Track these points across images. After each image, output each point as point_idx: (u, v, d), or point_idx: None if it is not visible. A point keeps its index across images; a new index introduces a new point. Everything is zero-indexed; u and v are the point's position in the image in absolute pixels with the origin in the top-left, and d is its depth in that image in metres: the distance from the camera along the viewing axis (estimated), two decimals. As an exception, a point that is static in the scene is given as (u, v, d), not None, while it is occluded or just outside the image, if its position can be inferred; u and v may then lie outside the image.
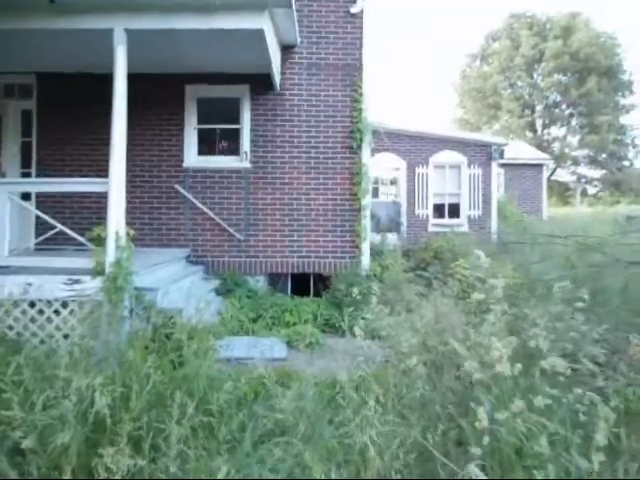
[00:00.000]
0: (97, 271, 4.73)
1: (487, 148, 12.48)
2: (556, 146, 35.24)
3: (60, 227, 4.87)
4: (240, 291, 6.80)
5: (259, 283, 7.23)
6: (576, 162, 35.88)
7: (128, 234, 4.92)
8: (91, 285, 4.72)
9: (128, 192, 7.31)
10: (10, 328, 4.65)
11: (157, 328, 4.57)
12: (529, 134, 34.44)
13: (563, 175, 36.13)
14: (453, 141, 12.43)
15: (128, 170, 7.34)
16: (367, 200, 7.19)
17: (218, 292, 6.81)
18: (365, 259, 7.19)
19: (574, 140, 35.85)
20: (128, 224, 7.11)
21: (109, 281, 4.62)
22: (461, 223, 12.37)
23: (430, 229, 12.34)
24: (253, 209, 7.20)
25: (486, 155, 12.49)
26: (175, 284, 5.76)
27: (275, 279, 7.38)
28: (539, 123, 36.78)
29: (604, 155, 34.11)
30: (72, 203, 7.06)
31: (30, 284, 4.71)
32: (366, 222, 7.19)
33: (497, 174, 12.92)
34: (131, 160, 7.09)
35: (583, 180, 34.95)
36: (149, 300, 5.06)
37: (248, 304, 6.24)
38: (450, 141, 12.41)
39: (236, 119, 7.29)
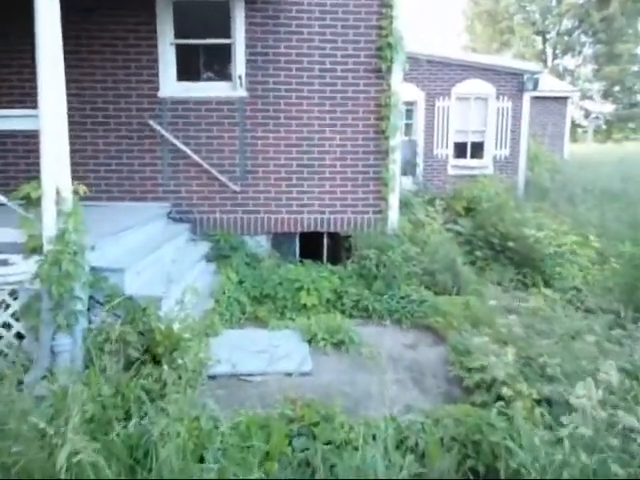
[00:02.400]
0: (31, 248, 3.25)
1: (519, 77, 10.69)
2: (568, 79, 32.84)
3: (-27, 183, 3.31)
4: (238, 257, 5.37)
5: (261, 246, 5.79)
6: (587, 96, 33.68)
7: (76, 192, 3.39)
8: (22, 269, 3.27)
9: (88, 131, 5.66)
10: None
11: (123, 332, 3.17)
12: (539, 64, 31.88)
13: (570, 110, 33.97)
14: (480, 68, 10.59)
15: (86, 102, 5.66)
16: (397, 140, 5.61)
17: (209, 259, 5.38)
18: (393, 214, 5.74)
19: (587, 71, 33.44)
20: (88, 172, 5.55)
21: (48, 264, 3.16)
22: (485, 164, 10.83)
23: (450, 172, 10.80)
24: (251, 152, 5.61)
25: (517, 85, 10.72)
26: (152, 254, 4.31)
27: (280, 240, 5.94)
28: (550, 52, 34.10)
29: (617, 88, 31.91)
30: (15, 145, 5.41)
31: None
32: (395, 168, 5.66)
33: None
34: (89, 88, 5.39)
35: (593, 115, 32.94)
36: (113, 285, 3.63)
37: (249, 276, 4.84)
38: (477, 68, 10.57)
39: (226, 31, 5.51)
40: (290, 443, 2.35)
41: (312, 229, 5.79)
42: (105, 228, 4.12)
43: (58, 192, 3.24)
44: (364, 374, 3.31)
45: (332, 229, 5.80)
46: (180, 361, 2.98)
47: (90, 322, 3.69)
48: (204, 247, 5.43)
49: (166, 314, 3.44)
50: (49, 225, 3.20)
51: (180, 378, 2.92)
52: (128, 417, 2.54)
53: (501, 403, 2.44)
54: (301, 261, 5.80)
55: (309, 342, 3.72)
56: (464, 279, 4.48)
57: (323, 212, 5.75)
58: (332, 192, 5.72)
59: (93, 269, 3.65)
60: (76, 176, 5.57)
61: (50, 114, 3.15)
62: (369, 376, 3.27)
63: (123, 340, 3.14)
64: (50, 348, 3.37)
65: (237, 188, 5.62)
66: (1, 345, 3.53)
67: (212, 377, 3.19)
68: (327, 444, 2.33)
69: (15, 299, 3.44)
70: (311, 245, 6.03)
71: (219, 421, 2.48)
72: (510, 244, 5.70)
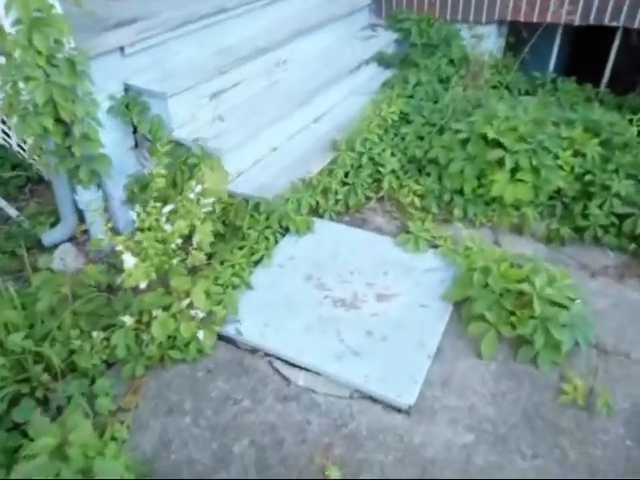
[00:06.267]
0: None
1: None
2: None
3: None
4: (433, 64, 3.15)
5: (484, 44, 3.29)
6: None
7: None
8: None
9: None
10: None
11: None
12: None
13: None
14: None
15: None
16: None
17: (386, 61, 3.30)
18: None
19: None
20: None
21: (8, 86, 1.84)
22: None
23: None
24: None
25: None
26: (263, 57, 2.61)
27: (521, 38, 3.26)
28: None
29: None
30: None
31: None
32: None
33: None
34: None
35: None
36: (154, 118, 2.22)
37: (426, 110, 2.67)
38: None
39: None
40: None
41: (591, 21, 2.90)
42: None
43: None
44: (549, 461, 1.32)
45: (638, 22, 2.79)
46: (156, 312, 1.55)
47: (143, 167, 2.49)
48: (383, 40, 3.32)
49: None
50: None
51: (144, 344, 1.55)
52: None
53: None
54: (553, 81, 3.20)
55: (458, 306, 1.74)
56: None
57: (625, -19, 2.72)
58: None
59: (129, 89, 2.24)
60: None
61: None
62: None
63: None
64: (73, 203, 2.36)
65: None
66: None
67: (230, 341, 1.71)
68: None
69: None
70: (582, 55, 3.19)
71: None
72: None
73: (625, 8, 2.75)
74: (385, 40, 3.32)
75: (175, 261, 1.56)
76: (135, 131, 2.36)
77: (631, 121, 2.39)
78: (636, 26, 2.81)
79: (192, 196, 1.63)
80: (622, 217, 2.00)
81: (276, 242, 2.07)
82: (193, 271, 1.70)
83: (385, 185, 2.35)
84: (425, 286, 1.83)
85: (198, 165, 2.10)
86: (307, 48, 2.93)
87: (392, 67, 3.31)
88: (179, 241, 1.58)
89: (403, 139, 2.54)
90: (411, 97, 2.89)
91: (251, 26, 2.74)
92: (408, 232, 2.10)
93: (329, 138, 2.54)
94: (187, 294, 1.56)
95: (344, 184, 2.32)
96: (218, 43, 2.57)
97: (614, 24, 2.85)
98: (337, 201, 2.28)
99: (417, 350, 1.59)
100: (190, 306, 1.55)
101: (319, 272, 1.92)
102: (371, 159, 2.41)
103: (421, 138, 2.51)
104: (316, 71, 2.83)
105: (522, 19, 3.09)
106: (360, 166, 2.39)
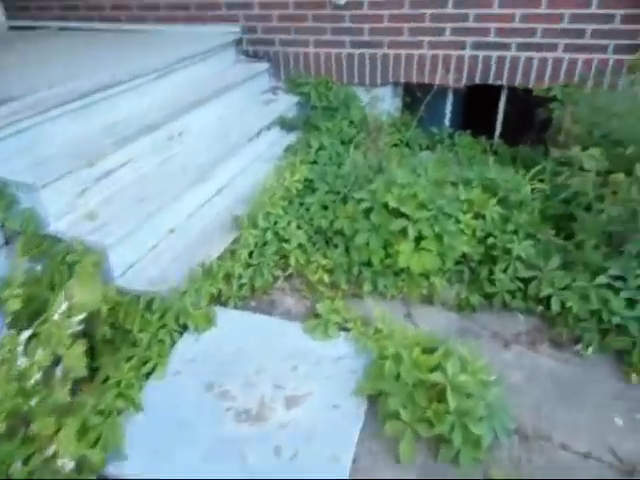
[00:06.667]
0: None
1: None
2: None
3: None
4: (334, 126, 3.15)
5: (381, 105, 3.35)
6: None
7: None
8: None
9: None
10: None
11: None
12: None
13: None
14: None
15: None
16: None
17: (288, 125, 3.25)
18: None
19: None
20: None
21: None
22: None
23: None
24: None
25: None
26: (155, 133, 2.45)
27: (417, 98, 3.37)
28: None
29: None
30: None
31: None
32: None
33: None
34: None
35: None
36: (24, 213, 1.97)
37: (329, 176, 2.61)
38: None
39: None
40: None
41: (476, 81, 3.04)
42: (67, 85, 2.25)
43: None
44: None
45: (518, 81, 2.96)
46: (15, 466, 1.26)
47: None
48: (284, 104, 3.28)
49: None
50: None
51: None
52: None
53: None
54: (451, 136, 3.31)
55: (373, 399, 1.62)
56: None
57: (505, 46, 2.89)
58: (527, 4, 2.74)
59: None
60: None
61: None
62: None
63: None
64: None
65: (341, 0, 3.05)
66: None
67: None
68: None
69: None
70: (475, 109, 3.34)
71: None
72: None
73: (505, 71, 2.91)
74: (285, 104, 3.29)
75: (34, 401, 1.31)
76: (3, 226, 2.08)
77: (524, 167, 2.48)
78: (517, 84, 2.98)
79: (57, 317, 1.39)
80: (526, 280, 2.00)
81: (173, 343, 1.85)
82: (64, 404, 1.44)
83: (292, 262, 2.23)
84: (336, 380, 1.69)
85: (80, 262, 1.87)
86: (204, 119, 2.81)
87: (295, 130, 3.27)
88: (38, 376, 1.33)
89: (308, 209, 2.44)
90: (315, 162, 2.85)
91: (143, 100, 2.58)
92: (317, 315, 1.97)
93: (231, 213, 2.39)
94: (52, 438, 1.31)
95: (248, 265, 2.17)
96: (104, 121, 2.38)
97: (498, 83, 3.01)
98: (241, 286, 2.12)
99: (331, 466, 1.42)
100: (57, 455, 1.30)
101: (221, 376, 1.72)
102: (276, 234, 2.29)
103: (326, 207, 2.44)
104: (214, 142, 2.71)
105: (414, 81, 3.19)
106: (265, 243, 2.26)
